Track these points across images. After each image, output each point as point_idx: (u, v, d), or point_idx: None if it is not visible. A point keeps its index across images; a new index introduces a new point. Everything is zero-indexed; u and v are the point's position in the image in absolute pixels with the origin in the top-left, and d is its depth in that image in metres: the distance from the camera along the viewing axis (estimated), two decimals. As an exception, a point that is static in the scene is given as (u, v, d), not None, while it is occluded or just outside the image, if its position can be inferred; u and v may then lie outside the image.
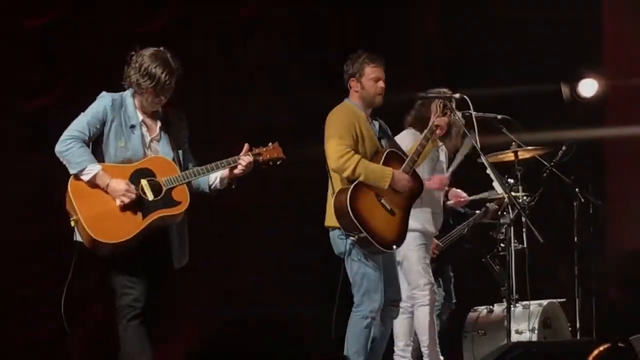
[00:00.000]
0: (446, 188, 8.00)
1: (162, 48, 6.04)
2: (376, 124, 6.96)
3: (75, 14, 8.48)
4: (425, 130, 7.04)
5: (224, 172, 6.14)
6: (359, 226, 6.54)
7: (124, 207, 5.88)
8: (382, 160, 6.75)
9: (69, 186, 5.90)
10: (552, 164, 8.11)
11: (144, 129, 6.07)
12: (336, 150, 6.67)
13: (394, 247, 6.75)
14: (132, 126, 6.00)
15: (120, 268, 5.98)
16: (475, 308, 8.28)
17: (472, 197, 8.23)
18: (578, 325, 8.24)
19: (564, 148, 8.20)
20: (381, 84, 6.88)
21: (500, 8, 10.05)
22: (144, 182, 5.93)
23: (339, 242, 6.70)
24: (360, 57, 6.91)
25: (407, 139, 7.49)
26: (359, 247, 6.64)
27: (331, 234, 6.78)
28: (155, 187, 5.94)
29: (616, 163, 10.62)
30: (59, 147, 5.91)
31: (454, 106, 7.08)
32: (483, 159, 7.07)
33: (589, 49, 10.41)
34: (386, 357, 7.13)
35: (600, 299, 8.69)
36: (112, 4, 8.64)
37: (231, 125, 8.76)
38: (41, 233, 8.15)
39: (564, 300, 8.32)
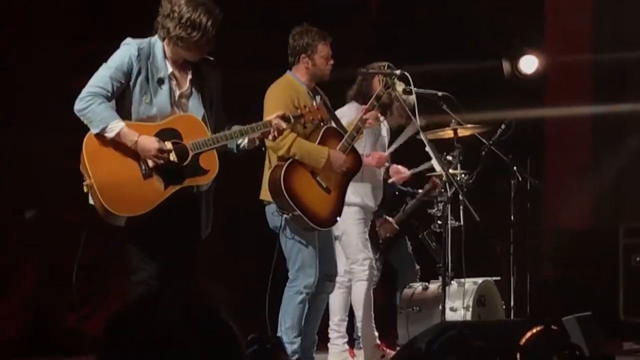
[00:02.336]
0: (387, 164, 7.97)
1: None
2: (318, 97, 6.86)
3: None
4: (367, 105, 7.01)
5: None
6: (293, 205, 6.47)
7: (146, 174, 5.25)
8: (319, 137, 6.66)
9: (83, 145, 5.25)
10: (490, 142, 8.11)
11: (173, 82, 5.41)
12: None
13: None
14: (160, 80, 5.34)
15: (137, 240, 5.37)
16: (410, 284, 8.27)
17: (412, 171, 8.21)
18: (512, 303, 8.29)
19: (503, 126, 8.20)
20: (331, 61, 6.82)
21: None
22: (168, 144, 5.28)
23: (274, 217, 6.65)
24: (309, 32, 6.78)
25: (352, 113, 7.43)
26: (294, 223, 6.60)
27: (266, 208, 6.71)
28: (181, 152, 5.30)
29: (555, 141, 10.67)
30: (78, 106, 5.26)
31: (395, 82, 7.04)
32: (422, 136, 7.04)
33: (531, 26, 10.42)
34: (321, 332, 7.11)
35: (535, 277, 8.76)
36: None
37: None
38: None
39: (498, 278, 8.34)
